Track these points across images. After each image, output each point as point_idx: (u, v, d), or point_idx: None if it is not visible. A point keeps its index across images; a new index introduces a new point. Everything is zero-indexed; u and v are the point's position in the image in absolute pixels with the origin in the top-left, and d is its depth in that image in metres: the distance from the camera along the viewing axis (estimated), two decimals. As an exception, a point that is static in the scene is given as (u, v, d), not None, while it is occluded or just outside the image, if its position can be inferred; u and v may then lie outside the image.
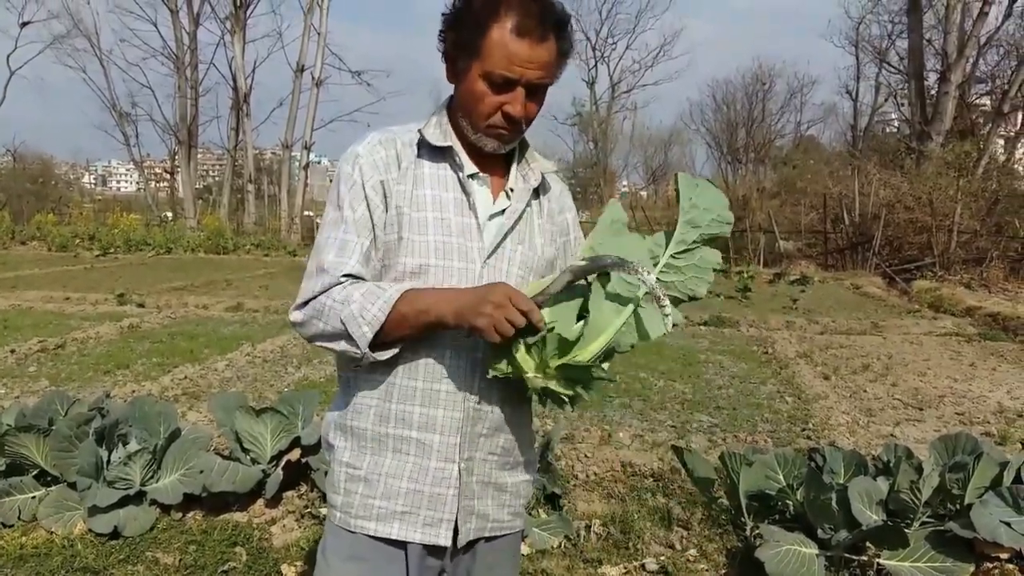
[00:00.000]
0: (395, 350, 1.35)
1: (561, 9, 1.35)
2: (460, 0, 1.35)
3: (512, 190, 1.47)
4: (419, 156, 1.43)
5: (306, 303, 1.36)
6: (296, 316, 1.38)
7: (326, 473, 1.51)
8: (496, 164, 1.47)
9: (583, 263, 1.31)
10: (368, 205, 1.38)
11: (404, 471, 1.41)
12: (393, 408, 1.40)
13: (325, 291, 1.34)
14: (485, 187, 1.45)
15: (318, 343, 1.37)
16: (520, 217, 1.46)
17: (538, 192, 1.52)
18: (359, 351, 1.31)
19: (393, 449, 1.41)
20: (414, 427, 1.40)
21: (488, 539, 1.49)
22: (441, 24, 1.39)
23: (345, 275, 1.35)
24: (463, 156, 1.43)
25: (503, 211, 1.45)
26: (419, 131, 1.43)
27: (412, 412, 1.39)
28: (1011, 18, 22.39)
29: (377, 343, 1.31)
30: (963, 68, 20.37)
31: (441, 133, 1.43)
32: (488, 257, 1.41)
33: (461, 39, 1.35)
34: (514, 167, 1.49)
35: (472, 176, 1.43)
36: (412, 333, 1.32)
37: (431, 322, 1.30)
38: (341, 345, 1.33)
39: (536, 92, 1.37)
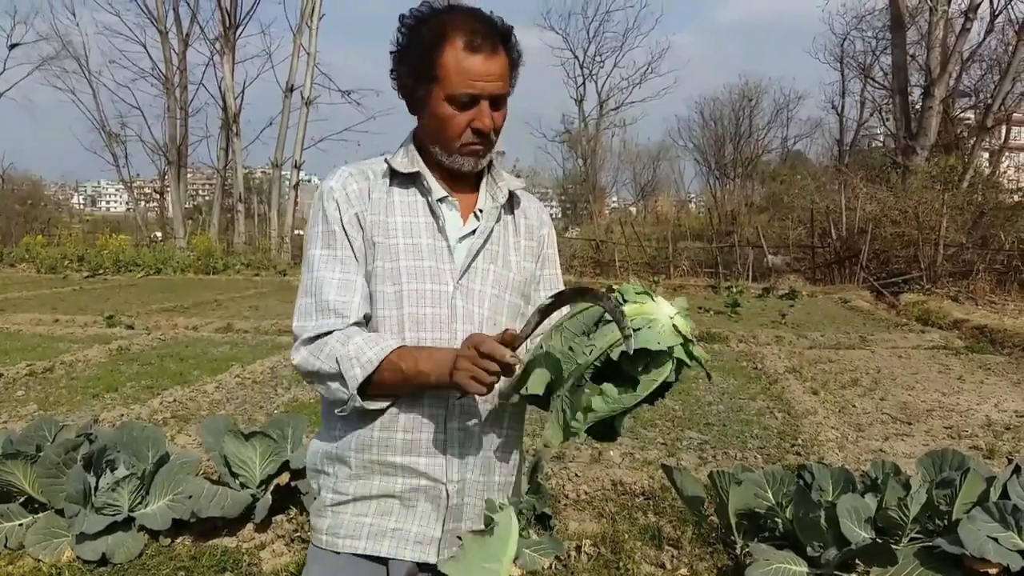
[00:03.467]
0: (383, 404, 1.37)
1: (502, 22, 1.40)
2: (405, 34, 1.39)
3: (481, 210, 1.50)
4: (391, 185, 1.46)
5: (312, 340, 1.37)
6: (298, 357, 1.38)
7: (315, 498, 1.52)
8: (466, 187, 1.50)
9: (549, 301, 1.27)
10: (349, 239, 1.42)
11: (394, 491, 1.42)
12: (375, 435, 1.41)
13: (331, 332, 1.36)
14: (454, 210, 1.48)
15: (311, 382, 1.40)
16: (489, 236, 1.48)
17: (512, 209, 1.55)
18: (347, 392, 1.33)
19: (381, 474, 1.42)
20: (398, 452, 1.41)
21: None
22: (392, 62, 1.42)
23: (355, 318, 1.37)
24: (431, 181, 1.46)
25: (473, 231, 1.47)
26: (386, 160, 1.46)
27: (395, 438, 1.40)
28: (993, 33, 22.79)
29: (367, 394, 1.34)
30: (947, 83, 20.62)
31: (409, 161, 1.46)
32: (460, 278, 1.43)
33: (416, 69, 1.38)
34: (483, 187, 1.52)
35: (441, 200, 1.46)
36: (401, 386, 1.34)
37: (419, 373, 1.31)
38: (333, 386, 1.35)
39: (498, 103, 1.40)
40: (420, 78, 1.38)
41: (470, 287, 1.44)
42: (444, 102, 1.36)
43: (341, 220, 1.41)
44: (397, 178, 1.46)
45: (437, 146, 1.43)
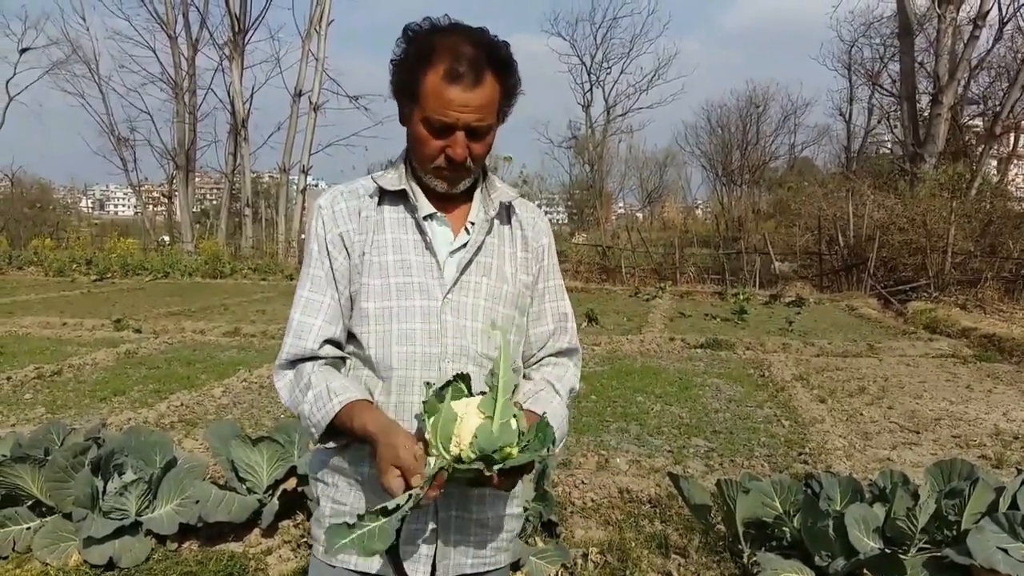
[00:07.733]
0: (345, 441, 1.41)
1: (502, 52, 1.37)
2: (400, 49, 1.39)
3: (472, 223, 1.50)
4: (380, 203, 1.48)
5: (285, 367, 1.45)
6: (278, 385, 1.47)
7: (317, 507, 1.53)
8: (459, 200, 1.50)
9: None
10: (330, 259, 1.45)
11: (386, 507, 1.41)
12: (368, 447, 1.39)
13: (297, 359, 1.43)
14: (445, 226, 1.49)
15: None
16: (480, 248, 1.48)
17: (509, 219, 1.55)
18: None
19: (371, 489, 1.41)
20: None
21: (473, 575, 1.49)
22: (389, 71, 1.43)
23: (314, 342, 1.42)
24: (419, 198, 1.47)
25: (464, 245, 1.48)
26: (374, 179, 1.48)
27: None
28: (1001, 41, 22.76)
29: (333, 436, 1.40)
30: (955, 90, 20.58)
31: (397, 177, 1.47)
32: (448, 292, 1.44)
33: (401, 85, 1.40)
34: (476, 200, 1.52)
35: (429, 216, 1.47)
36: (356, 438, 1.36)
37: (364, 430, 1.31)
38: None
39: (478, 134, 1.39)
40: (404, 95, 1.40)
41: (461, 300, 1.44)
42: (421, 124, 1.37)
43: (325, 238, 1.45)
44: (387, 196, 1.48)
45: (415, 162, 1.46)
